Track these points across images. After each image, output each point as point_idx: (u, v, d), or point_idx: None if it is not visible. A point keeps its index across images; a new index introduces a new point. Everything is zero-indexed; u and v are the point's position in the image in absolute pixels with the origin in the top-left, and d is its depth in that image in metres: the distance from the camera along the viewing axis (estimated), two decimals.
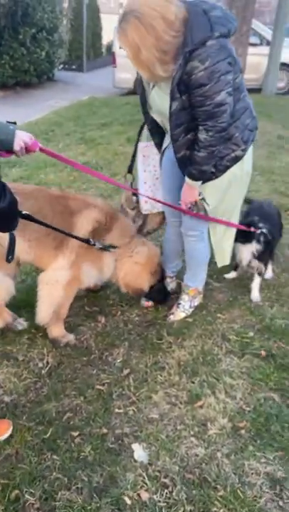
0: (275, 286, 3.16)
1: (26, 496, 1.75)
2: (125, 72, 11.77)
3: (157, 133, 2.63)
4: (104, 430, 2.03)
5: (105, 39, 19.06)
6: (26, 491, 1.76)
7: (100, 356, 2.49)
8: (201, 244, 2.67)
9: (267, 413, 2.12)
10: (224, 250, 2.77)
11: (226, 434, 2.02)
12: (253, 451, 1.94)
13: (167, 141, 2.56)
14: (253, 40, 11.27)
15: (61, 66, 15.49)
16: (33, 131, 7.77)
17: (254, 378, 2.33)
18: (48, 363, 2.44)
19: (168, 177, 2.64)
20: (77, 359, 2.46)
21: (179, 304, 2.84)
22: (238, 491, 1.78)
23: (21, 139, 1.74)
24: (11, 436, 1.99)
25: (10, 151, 1.76)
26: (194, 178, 2.33)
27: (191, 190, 2.39)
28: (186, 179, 2.36)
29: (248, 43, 8.10)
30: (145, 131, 2.75)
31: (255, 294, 2.99)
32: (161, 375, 2.35)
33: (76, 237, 2.34)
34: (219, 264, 2.83)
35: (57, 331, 2.56)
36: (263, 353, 2.51)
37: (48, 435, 2.01)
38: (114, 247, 2.51)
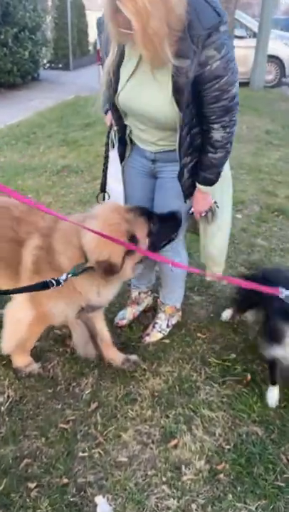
0: None
1: None
2: None
3: (122, 140, 2.27)
4: (65, 480, 1.80)
5: (92, 36, 18.74)
6: None
7: (66, 387, 2.25)
8: (177, 260, 2.39)
9: (249, 452, 1.89)
10: (214, 256, 2.44)
11: (202, 480, 1.79)
12: (232, 501, 1.70)
13: (129, 149, 2.28)
14: (239, 32, 11.04)
15: (47, 65, 15.21)
16: (14, 134, 7.55)
17: (236, 409, 2.09)
18: (8, 397, 2.20)
19: (137, 189, 2.34)
20: (41, 391, 2.23)
21: (156, 323, 2.60)
22: None
23: None
24: None
25: None
26: (211, 183, 2.07)
27: (205, 196, 2.13)
28: (200, 187, 2.08)
29: (232, 36, 7.84)
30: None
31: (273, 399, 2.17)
32: (132, 410, 2.11)
33: (25, 290, 1.91)
34: (213, 270, 2.44)
35: (20, 360, 2.32)
36: (249, 377, 2.28)
37: (1, 488, 1.77)
38: (84, 269, 1.89)
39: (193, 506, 1.70)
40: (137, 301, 2.75)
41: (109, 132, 2.32)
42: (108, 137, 2.32)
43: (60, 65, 16.71)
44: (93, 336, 2.37)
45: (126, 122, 2.15)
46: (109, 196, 2.33)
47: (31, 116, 8.94)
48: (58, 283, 1.76)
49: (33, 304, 2.08)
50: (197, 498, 1.73)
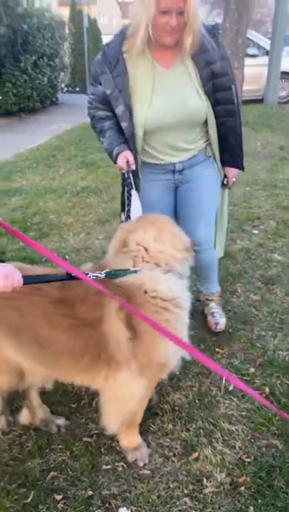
0: (278, 313, 2.97)
1: None
2: None
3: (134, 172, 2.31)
4: (90, 492, 1.86)
5: None
6: None
7: (89, 402, 2.32)
8: (213, 250, 2.67)
9: (269, 465, 1.92)
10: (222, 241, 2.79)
11: (223, 493, 1.83)
12: None
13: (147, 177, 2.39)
14: (252, 51, 11.22)
15: (65, 89, 15.67)
16: (34, 157, 7.80)
17: (255, 422, 2.13)
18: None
19: (164, 207, 2.45)
20: (66, 406, 2.31)
21: (215, 312, 2.84)
22: None
23: None
24: None
25: None
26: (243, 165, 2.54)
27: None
28: (237, 172, 2.54)
29: (244, 56, 7.99)
30: None
31: None
32: (153, 423, 2.17)
33: None
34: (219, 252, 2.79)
35: (128, 440, 2.00)
36: (267, 390, 2.32)
37: (29, 499, 1.85)
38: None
39: None
40: None
41: (124, 174, 2.26)
42: (126, 179, 2.26)
43: (78, 89, 17.20)
44: None
45: (148, 149, 2.30)
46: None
47: (51, 139, 9.23)
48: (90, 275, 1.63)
49: (142, 376, 1.77)
50: (219, 510, 1.76)
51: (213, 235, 2.63)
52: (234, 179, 2.58)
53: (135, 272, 1.72)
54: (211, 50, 2.12)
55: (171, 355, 1.78)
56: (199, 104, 2.18)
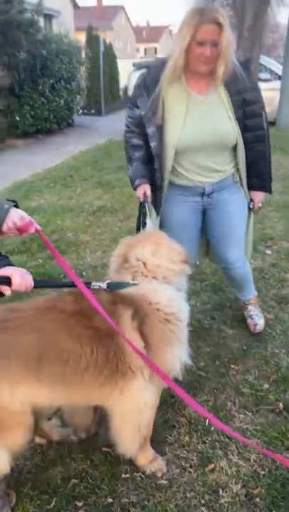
0: None
1: None
2: None
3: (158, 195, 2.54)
4: (110, 500, 1.93)
5: (122, 83, 19.76)
6: None
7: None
8: (246, 264, 2.84)
9: (283, 477, 1.97)
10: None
11: (239, 503, 1.89)
12: None
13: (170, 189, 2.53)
14: (264, 76, 11.46)
15: (81, 111, 16.07)
16: (52, 177, 8.02)
17: (269, 436, 2.19)
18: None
19: (191, 229, 2.65)
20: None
21: (254, 315, 3.02)
22: None
23: (12, 219, 1.63)
24: (13, 508, 1.91)
25: (0, 230, 1.65)
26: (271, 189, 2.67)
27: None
28: (263, 196, 2.67)
29: (257, 81, 8.23)
30: None
31: None
32: (170, 435, 2.24)
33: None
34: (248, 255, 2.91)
35: (144, 456, 2.04)
36: (281, 406, 2.38)
37: (51, 505, 1.92)
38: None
39: None
40: None
41: (141, 204, 2.47)
42: (142, 208, 2.46)
43: (93, 111, 17.63)
44: None
45: (179, 169, 2.45)
46: None
47: (67, 160, 9.48)
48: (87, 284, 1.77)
49: (153, 384, 1.83)
50: None
51: (243, 252, 2.78)
52: (260, 204, 2.70)
53: (134, 285, 1.82)
54: (242, 80, 2.31)
55: (175, 360, 1.85)
56: (230, 129, 2.34)
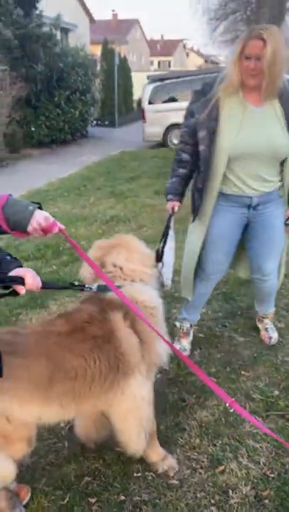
0: None
1: None
2: (154, 127, 12.30)
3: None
4: (122, 497, 1.99)
5: (136, 95, 20.07)
6: None
7: None
8: (276, 279, 2.93)
9: None
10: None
11: (248, 504, 1.93)
12: None
13: (219, 200, 2.61)
14: None
15: (94, 122, 16.35)
16: (66, 186, 8.17)
17: (278, 441, 2.23)
18: (68, 422, 2.44)
19: (229, 241, 2.75)
20: None
21: (269, 328, 3.12)
22: None
23: (36, 220, 1.69)
24: (28, 502, 1.98)
25: (25, 231, 1.71)
26: None
27: None
28: None
29: None
30: None
31: None
32: (181, 438, 2.29)
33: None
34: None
35: (155, 453, 2.11)
36: None
37: (65, 501, 1.98)
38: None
39: None
40: (188, 332, 3.03)
41: (170, 216, 2.74)
42: (169, 221, 2.73)
43: (107, 122, 17.89)
44: None
45: (230, 176, 2.54)
46: (162, 265, 2.54)
47: (81, 170, 9.65)
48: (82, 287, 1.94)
49: (148, 379, 1.97)
50: None
51: (278, 267, 2.87)
52: None
53: (119, 287, 1.91)
54: None
55: (164, 352, 1.99)
56: (283, 141, 2.43)
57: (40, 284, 1.67)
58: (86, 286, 1.96)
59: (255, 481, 2.04)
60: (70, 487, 2.06)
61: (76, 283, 1.99)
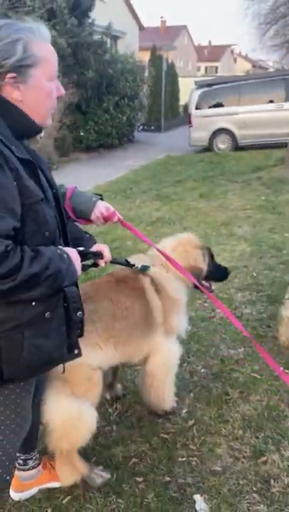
0: None
1: None
2: (200, 131, 12.38)
3: None
4: (168, 478, 2.10)
5: (183, 100, 20.21)
6: None
7: None
8: None
9: None
10: None
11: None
12: None
13: None
14: None
15: (141, 127, 16.62)
16: (113, 189, 8.41)
17: None
18: (116, 408, 2.58)
19: None
20: (143, 406, 2.57)
21: None
22: None
23: (99, 209, 1.90)
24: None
25: (88, 219, 1.94)
26: None
27: None
28: None
29: None
30: None
31: None
32: (225, 428, 2.38)
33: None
34: None
35: (169, 401, 2.46)
36: None
37: (114, 478, 2.12)
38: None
39: None
40: None
41: None
42: None
43: (153, 127, 18.12)
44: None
45: None
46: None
47: (127, 173, 9.88)
48: (132, 265, 2.21)
49: (173, 338, 2.33)
50: (285, 507, 1.93)
51: None
52: None
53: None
54: None
55: (181, 322, 2.35)
56: None
57: (110, 258, 1.91)
58: (132, 264, 2.23)
59: None
60: (118, 467, 2.19)
61: (131, 262, 2.24)
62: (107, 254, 1.85)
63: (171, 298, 2.28)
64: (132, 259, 2.28)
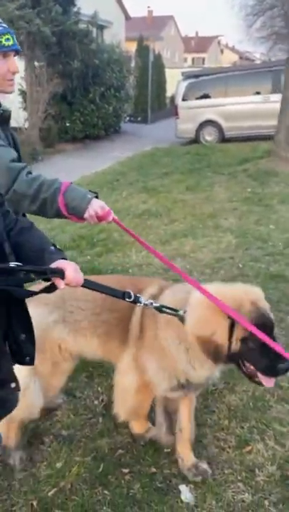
0: None
1: None
2: (187, 123, 12.34)
3: None
4: (153, 469, 2.11)
5: (169, 91, 20.10)
6: None
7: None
8: None
9: None
10: None
11: (274, 482, 2.02)
12: None
13: None
14: None
15: (127, 119, 16.51)
16: (99, 180, 8.35)
17: None
18: (102, 400, 2.58)
19: None
20: None
21: None
22: None
23: (93, 208, 1.81)
24: (67, 469, 2.12)
25: (81, 217, 1.84)
26: None
27: None
28: None
29: None
30: None
31: None
32: (210, 419, 2.40)
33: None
34: None
35: (137, 427, 2.27)
36: None
37: (100, 470, 2.12)
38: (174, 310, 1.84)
39: (266, 502, 1.93)
40: None
41: None
42: None
43: (139, 119, 18.01)
44: (171, 422, 2.20)
45: None
46: None
47: (114, 165, 9.81)
48: (137, 300, 1.78)
49: (137, 371, 2.03)
50: (269, 496, 1.96)
51: None
52: None
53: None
54: None
55: (155, 374, 1.98)
56: None
57: (81, 281, 1.53)
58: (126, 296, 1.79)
59: (281, 461, 2.12)
60: (105, 458, 2.19)
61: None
62: (70, 274, 1.43)
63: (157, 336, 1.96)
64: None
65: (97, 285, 1.69)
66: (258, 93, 11.82)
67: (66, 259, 1.55)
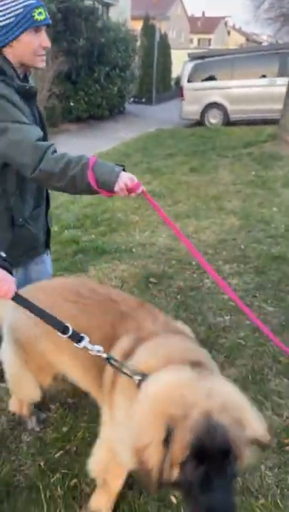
0: None
1: (83, 485, 1.96)
2: (192, 105, 12.26)
3: None
4: None
5: (175, 72, 19.88)
6: (83, 481, 1.97)
7: None
8: None
9: None
10: None
11: (270, 449, 2.11)
12: None
13: None
14: None
15: (132, 99, 16.38)
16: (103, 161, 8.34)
17: None
18: None
19: None
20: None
21: None
22: (279, 501, 1.87)
23: (123, 181, 1.81)
24: (72, 434, 2.22)
25: (112, 191, 1.84)
26: None
27: None
28: None
29: None
30: None
31: None
32: None
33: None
34: None
35: (98, 499, 1.83)
36: None
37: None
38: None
39: (262, 467, 2.03)
40: None
41: None
42: None
43: (144, 100, 17.86)
44: None
45: None
46: None
47: (118, 145, 9.80)
48: (78, 340, 1.52)
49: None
50: (266, 461, 2.06)
51: None
52: None
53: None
54: None
55: (120, 452, 1.56)
56: None
57: (10, 295, 1.42)
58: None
59: (278, 431, 2.21)
60: None
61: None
62: (5, 288, 1.34)
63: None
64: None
65: (33, 307, 1.48)
66: (264, 76, 11.71)
67: (10, 272, 1.50)
